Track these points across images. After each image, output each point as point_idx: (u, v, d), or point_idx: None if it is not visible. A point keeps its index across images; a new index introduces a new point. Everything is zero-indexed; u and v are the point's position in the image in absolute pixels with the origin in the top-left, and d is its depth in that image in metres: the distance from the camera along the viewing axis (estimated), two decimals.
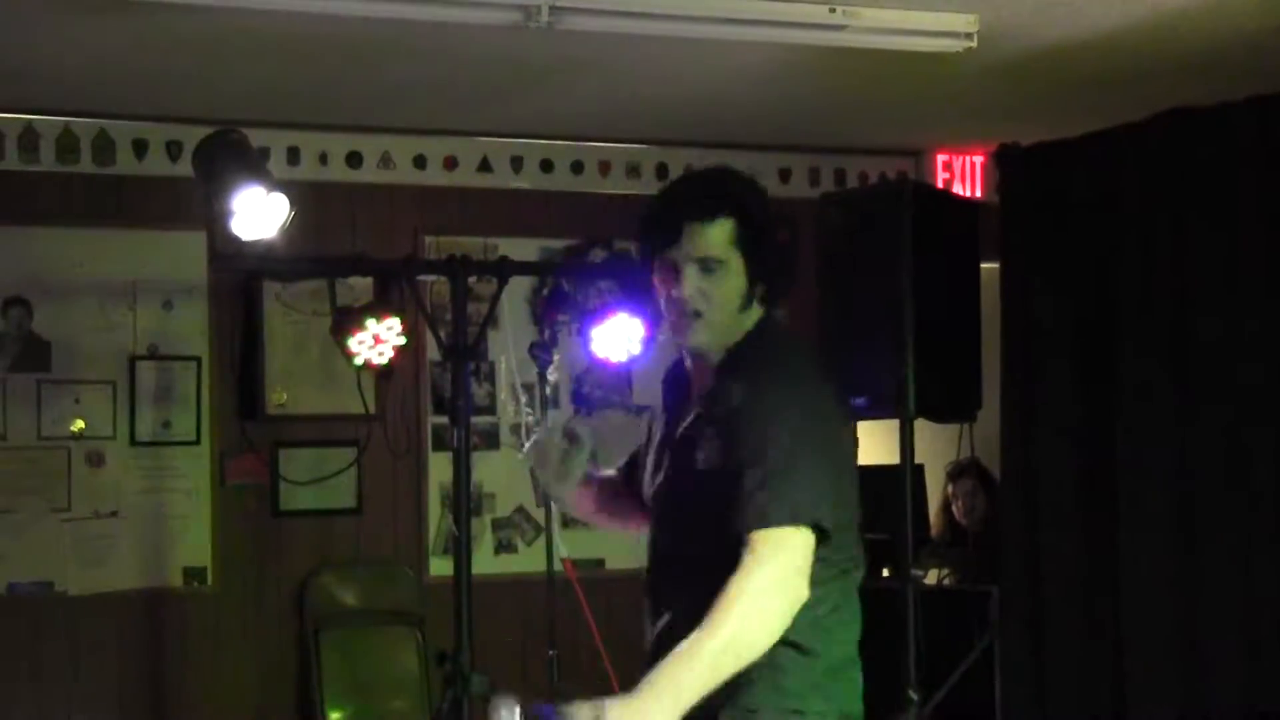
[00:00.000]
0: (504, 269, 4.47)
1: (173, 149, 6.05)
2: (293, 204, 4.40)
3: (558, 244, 6.57)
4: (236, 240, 4.38)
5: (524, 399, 5.06)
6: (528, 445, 3.32)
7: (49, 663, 5.93)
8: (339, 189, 6.31)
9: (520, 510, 6.54)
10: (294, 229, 4.45)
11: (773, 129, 6.58)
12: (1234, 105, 4.89)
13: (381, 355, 5.17)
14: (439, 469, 6.35)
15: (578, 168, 6.69)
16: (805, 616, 2.78)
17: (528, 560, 6.38)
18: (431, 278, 5.48)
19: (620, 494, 3.29)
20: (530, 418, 4.77)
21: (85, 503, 6.01)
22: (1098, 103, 5.66)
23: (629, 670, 2.86)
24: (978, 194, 6.89)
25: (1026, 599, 5.46)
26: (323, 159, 6.34)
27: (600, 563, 6.25)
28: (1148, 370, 5.08)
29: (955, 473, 6.46)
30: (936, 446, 6.05)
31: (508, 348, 5.24)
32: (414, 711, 6.17)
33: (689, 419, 2.96)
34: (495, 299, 4.44)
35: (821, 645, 2.86)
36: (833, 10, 4.72)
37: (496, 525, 6.50)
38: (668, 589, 2.96)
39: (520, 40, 4.84)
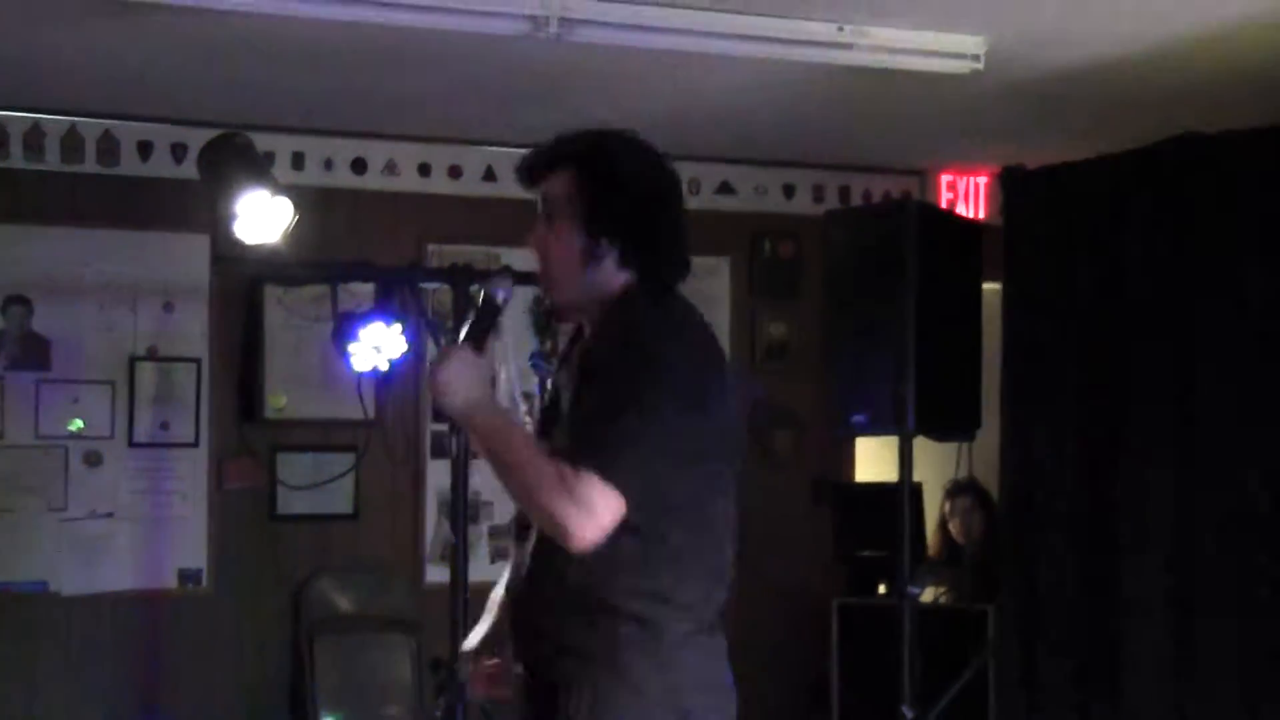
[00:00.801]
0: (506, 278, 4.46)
1: (178, 151, 6.05)
2: (296, 209, 4.41)
3: None
4: (240, 243, 4.38)
5: (524, 408, 5.05)
6: None
7: (43, 663, 5.92)
8: (343, 195, 6.31)
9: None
10: (297, 234, 4.46)
11: (778, 145, 6.59)
12: (1240, 132, 4.88)
13: (382, 362, 5.16)
14: (437, 476, 6.35)
15: None
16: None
17: None
18: (434, 285, 5.47)
19: None
20: (530, 426, 4.76)
21: (82, 503, 6.00)
22: (1103, 127, 5.66)
23: None
24: (981, 215, 6.90)
25: (1023, 618, 5.45)
26: (327, 164, 6.34)
27: None
28: (1149, 394, 5.08)
29: (954, 491, 6.47)
30: (935, 465, 6.05)
31: (508, 357, 5.23)
32: (407, 718, 6.16)
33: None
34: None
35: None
36: (841, 29, 4.73)
37: (493, 533, 6.50)
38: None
39: (528, 51, 4.84)
